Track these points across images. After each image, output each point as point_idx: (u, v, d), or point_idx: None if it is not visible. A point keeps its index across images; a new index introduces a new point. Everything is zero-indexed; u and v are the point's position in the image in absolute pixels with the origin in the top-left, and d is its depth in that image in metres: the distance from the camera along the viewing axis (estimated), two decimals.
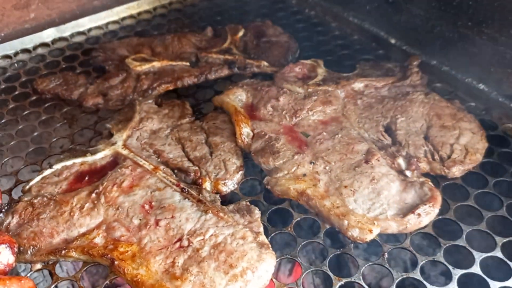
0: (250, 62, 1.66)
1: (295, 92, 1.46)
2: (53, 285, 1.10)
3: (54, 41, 1.99)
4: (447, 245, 1.08)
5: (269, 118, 1.41)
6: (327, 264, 1.07)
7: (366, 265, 1.06)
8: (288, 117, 1.39)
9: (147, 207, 1.17)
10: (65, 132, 1.55)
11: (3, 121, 1.60)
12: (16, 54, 1.92)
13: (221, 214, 1.13)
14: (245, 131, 1.35)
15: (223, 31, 1.87)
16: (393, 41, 1.80)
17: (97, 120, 1.57)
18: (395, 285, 1.02)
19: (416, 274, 1.03)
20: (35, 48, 1.96)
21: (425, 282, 1.01)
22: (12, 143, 1.51)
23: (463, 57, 1.59)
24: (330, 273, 1.05)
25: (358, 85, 1.48)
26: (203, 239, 1.07)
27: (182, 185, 1.22)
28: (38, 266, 1.14)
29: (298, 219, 1.18)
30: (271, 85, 1.51)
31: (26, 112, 1.63)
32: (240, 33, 1.83)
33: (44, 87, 1.69)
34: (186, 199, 1.18)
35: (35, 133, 1.54)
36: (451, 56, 1.63)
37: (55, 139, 1.51)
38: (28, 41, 1.96)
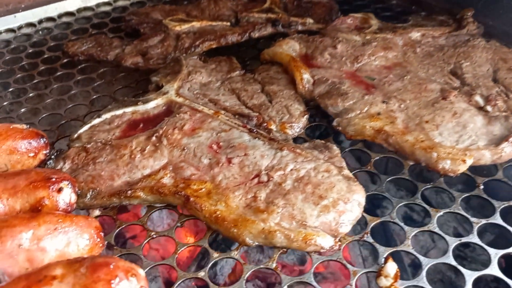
0: (295, 19, 1.60)
1: (352, 40, 1.40)
2: (117, 230, 0.99)
3: (79, 10, 1.90)
4: None
5: (328, 65, 1.34)
6: (419, 197, 0.99)
7: (462, 197, 0.98)
8: (348, 63, 1.32)
9: (215, 147, 1.07)
10: (105, 91, 1.45)
11: (34, 81, 1.50)
12: (40, 22, 1.83)
13: (298, 150, 1.04)
14: (305, 76, 1.27)
15: None
16: (433, 2, 1.76)
17: (137, 79, 1.48)
18: (498, 213, 0.94)
19: None
20: (60, 16, 1.86)
21: None
22: (48, 101, 1.41)
23: (509, 13, 1.55)
24: (426, 206, 0.97)
25: (415, 34, 1.43)
26: (283, 174, 0.99)
27: (249, 126, 1.13)
28: (97, 212, 1.03)
29: (377, 158, 1.11)
30: (323, 37, 1.45)
31: (58, 73, 1.54)
32: None
33: (76, 50, 1.60)
34: (256, 139, 1.09)
35: (72, 92, 1.44)
36: (496, 13, 1.59)
37: (95, 96, 1.42)
38: (52, 10, 1.86)
